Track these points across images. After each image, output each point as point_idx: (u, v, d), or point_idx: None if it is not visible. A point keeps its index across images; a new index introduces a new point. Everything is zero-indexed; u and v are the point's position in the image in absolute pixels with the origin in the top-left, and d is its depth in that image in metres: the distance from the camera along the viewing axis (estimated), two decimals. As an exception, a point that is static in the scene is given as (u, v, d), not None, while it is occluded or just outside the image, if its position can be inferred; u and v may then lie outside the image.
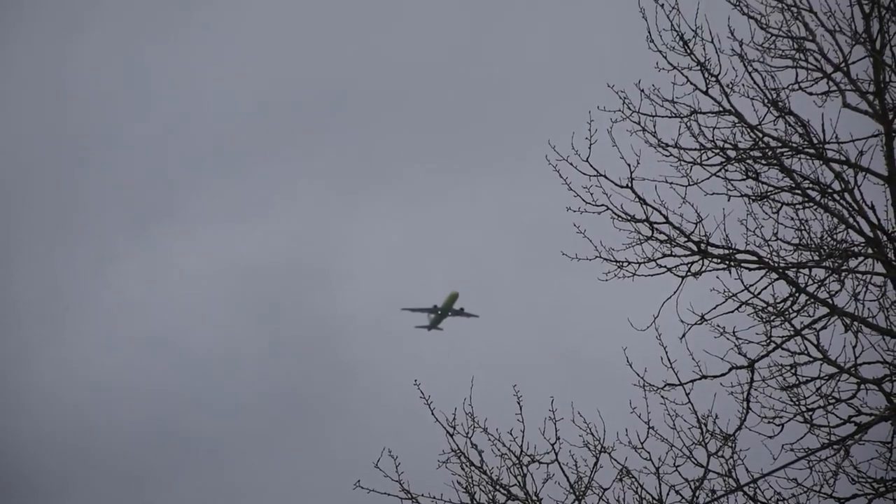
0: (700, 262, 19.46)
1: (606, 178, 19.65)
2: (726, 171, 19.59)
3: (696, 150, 19.58)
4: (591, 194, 19.71)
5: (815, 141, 19.27)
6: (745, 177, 19.55)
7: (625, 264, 19.74)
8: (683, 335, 19.38)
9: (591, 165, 19.71)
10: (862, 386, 18.57)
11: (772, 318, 19.09)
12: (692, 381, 19.24)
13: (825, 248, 19.10)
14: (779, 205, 19.47)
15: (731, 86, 19.53)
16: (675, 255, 19.56)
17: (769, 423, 19.00)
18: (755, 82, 19.47)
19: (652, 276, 19.68)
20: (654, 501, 18.69)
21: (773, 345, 19.04)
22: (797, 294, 19.04)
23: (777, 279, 19.17)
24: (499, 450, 19.09)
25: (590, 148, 19.65)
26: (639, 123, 19.71)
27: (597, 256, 19.86)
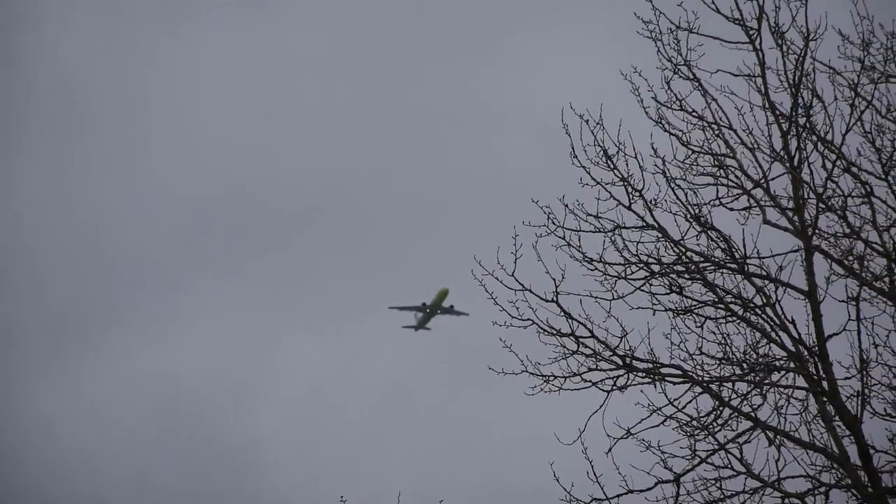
0: (625, 376, 19.53)
1: (532, 292, 19.77)
2: (650, 285, 19.78)
3: (620, 264, 19.77)
4: (517, 309, 19.81)
5: (737, 256, 19.55)
6: (669, 291, 19.73)
7: (551, 378, 19.77)
8: (609, 449, 19.36)
9: (517, 280, 19.85)
10: (786, 500, 18.61)
11: (696, 431, 19.16)
12: (619, 495, 19.19)
13: (748, 362, 19.27)
14: (702, 319, 19.65)
15: (654, 201, 19.81)
16: (600, 370, 19.63)
17: (696, 537, 18.97)
18: (678, 198, 19.77)
19: (578, 390, 19.72)
20: None
21: (697, 459, 19.08)
22: (721, 408, 19.15)
23: (701, 393, 19.28)
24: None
25: (515, 263, 19.79)
26: (563, 238, 19.90)
27: (523, 371, 19.89)
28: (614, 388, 19.52)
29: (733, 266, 19.54)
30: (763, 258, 19.50)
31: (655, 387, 19.42)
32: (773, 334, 19.20)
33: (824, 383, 18.81)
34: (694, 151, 19.96)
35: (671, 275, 19.72)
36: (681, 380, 19.37)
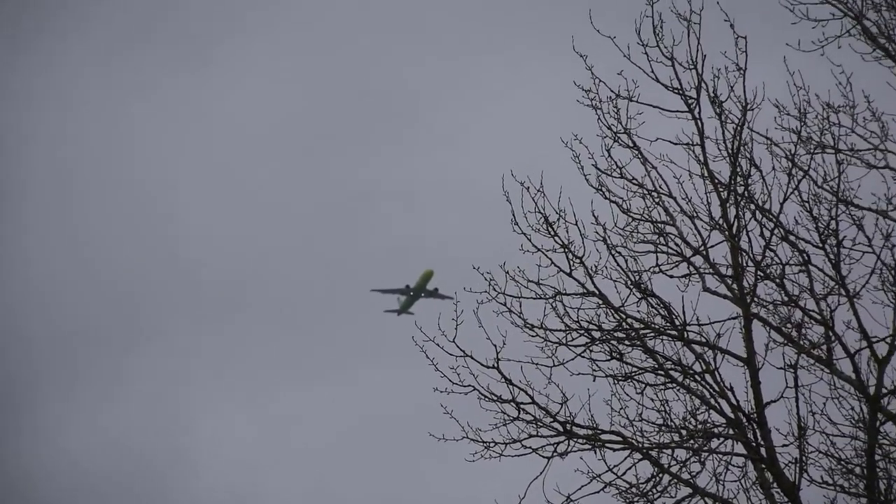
0: (566, 442, 19.55)
1: (473, 358, 19.79)
2: (591, 351, 19.85)
3: (561, 330, 19.85)
4: (458, 375, 19.83)
5: (677, 323, 19.68)
6: (609, 357, 19.81)
7: (491, 445, 19.76)
8: (550, 516, 19.34)
9: (458, 346, 19.87)
10: (725, 567, 18.64)
11: (636, 498, 19.18)
12: (560, 562, 19.16)
13: (688, 428, 19.35)
14: (643, 385, 19.73)
15: (595, 268, 19.92)
16: (541, 436, 19.64)
17: None
18: (618, 265, 19.90)
19: (518, 456, 19.71)
20: None
21: (638, 526, 19.08)
22: (660, 475, 19.19)
23: (641, 459, 19.32)
24: None
25: (456, 329, 19.83)
26: (505, 304, 19.97)
27: (464, 437, 19.86)
28: (555, 454, 19.52)
29: (673, 333, 19.67)
30: (703, 325, 19.65)
31: (596, 453, 19.45)
32: (712, 401, 19.30)
33: (763, 450, 18.91)
34: (634, 219, 20.12)
35: (612, 341, 19.81)
36: (621, 446, 19.40)
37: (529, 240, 20.04)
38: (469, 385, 19.76)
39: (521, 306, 19.93)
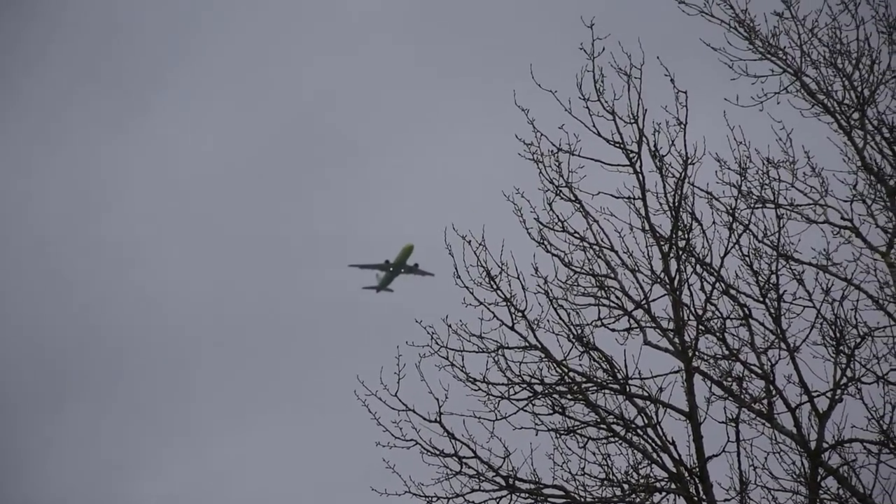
0: (508, 497, 19.42)
1: (415, 412, 19.67)
2: (533, 405, 19.77)
3: (503, 384, 19.76)
4: (401, 429, 19.69)
5: (619, 376, 19.64)
6: (551, 411, 19.74)
7: (434, 500, 19.57)
8: (492, 571, 19.17)
9: (400, 400, 19.75)
10: None
11: (578, 554, 19.03)
12: None
13: (630, 482, 19.26)
14: (585, 439, 19.65)
15: (536, 321, 19.88)
16: (483, 490, 19.50)
17: None
18: (560, 318, 19.85)
19: (460, 511, 19.54)
20: None
21: (580, 582, 18.93)
22: (603, 530, 19.07)
23: (583, 515, 19.20)
24: None
25: (398, 383, 19.71)
26: (447, 358, 19.88)
27: (406, 492, 19.67)
28: (497, 509, 19.38)
29: (615, 387, 19.62)
30: (644, 379, 19.62)
31: (537, 508, 19.31)
32: (654, 455, 19.23)
33: (705, 505, 18.84)
34: (576, 272, 20.13)
35: (554, 395, 19.74)
36: (563, 500, 19.30)
37: (472, 293, 20.02)
38: (411, 439, 19.64)
39: (463, 360, 19.86)
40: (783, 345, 19.34)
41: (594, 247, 20.13)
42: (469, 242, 20.01)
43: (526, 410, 19.75)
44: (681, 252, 19.80)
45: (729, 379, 19.54)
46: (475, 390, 19.85)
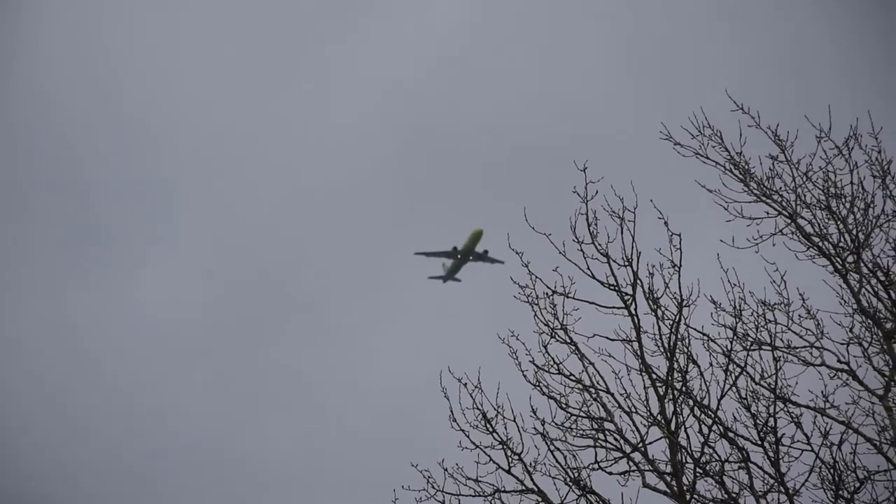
0: None
1: (412, 557, 19.45)
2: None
3: (501, 533, 19.58)
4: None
5: (617, 519, 19.40)
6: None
7: None
8: None
9: (395, 544, 19.54)
10: None
11: None
12: None
13: None
14: (583, 585, 19.36)
15: (533, 464, 19.75)
16: None
17: None
18: (557, 461, 19.72)
19: None
20: None
21: None
22: None
23: None
24: None
25: (394, 526, 19.52)
26: (443, 502, 19.71)
27: None
28: None
29: (614, 530, 19.39)
30: (643, 520, 19.37)
31: None
32: None
33: None
34: (573, 415, 20.04)
35: (554, 546, 19.51)
36: None
37: (468, 436, 19.94)
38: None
39: (459, 503, 19.68)
40: (782, 489, 19.14)
41: (590, 389, 20.08)
42: (465, 385, 19.99)
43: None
44: (678, 394, 19.73)
45: (728, 524, 19.28)
46: (472, 536, 19.63)
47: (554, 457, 19.73)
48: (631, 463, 19.82)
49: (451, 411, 19.90)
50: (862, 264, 20.93)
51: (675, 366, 19.85)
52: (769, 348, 20.17)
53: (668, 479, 19.51)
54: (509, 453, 19.78)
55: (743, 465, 19.53)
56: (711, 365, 19.95)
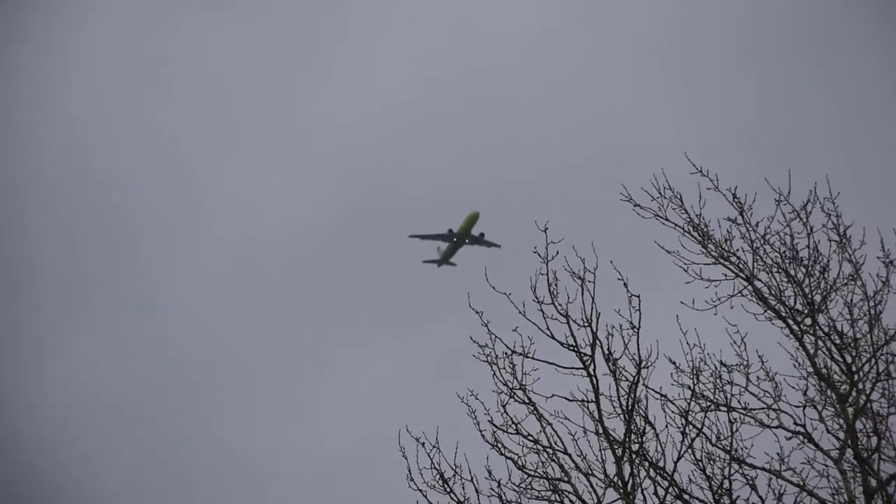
0: None
1: None
2: None
3: (456, 590, 19.50)
4: None
5: (574, 582, 19.39)
6: None
7: None
8: None
9: None
10: None
11: None
12: None
13: None
14: None
15: (490, 525, 19.71)
16: None
17: None
18: (514, 522, 19.69)
19: None
20: None
21: None
22: None
23: None
24: None
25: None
26: (399, 562, 19.66)
27: None
28: None
29: (569, 593, 19.37)
30: (599, 585, 19.36)
31: None
32: None
33: None
34: (529, 475, 20.06)
35: None
36: None
37: (425, 496, 19.91)
38: None
39: (418, 568, 19.65)
40: (737, 551, 19.18)
41: (548, 449, 20.11)
42: (423, 444, 20.01)
43: None
44: (634, 456, 19.79)
45: (683, 586, 19.30)
46: None
47: (511, 517, 19.73)
48: (587, 523, 19.84)
49: (409, 471, 19.90)
50: (818, 327, 21.11)
51: (633, 427, 19.93)
52: (726, 409, 20.27)
53: (626, 539, 19.54)
54: (467, 512, 19.76)
55: (699, 527, 19.58)
56: (668, 426, 20.05)
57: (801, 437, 20.46)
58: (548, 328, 20.34)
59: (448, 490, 19.84)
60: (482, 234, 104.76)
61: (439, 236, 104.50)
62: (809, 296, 21.30)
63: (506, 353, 20.51)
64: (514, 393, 20.38)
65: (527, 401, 20.35)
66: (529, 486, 20.01)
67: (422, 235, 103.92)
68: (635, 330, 20.19)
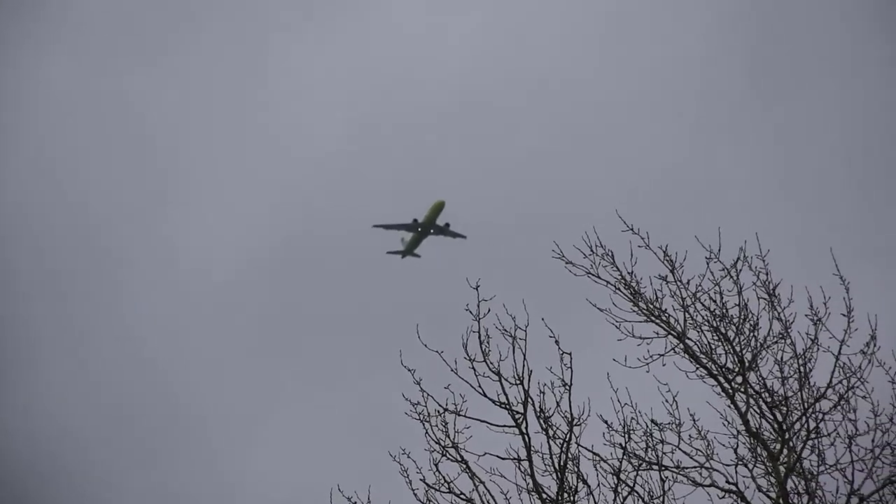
0: None
1: None
2: None
3: None
4: None
5: None
6: None
7: None
8: None
9: None
10: None
11: None
12: None
13: None
14: None
15: (422, 586, 19.46)
16: None
17: None
18: (446, 582, 19.47)
19: None
20: None
21: None
22: None
23: None
24: None
25: None
26: None
27: None
28: None
29: None
30: None
31: None
32: None
33: None
34: None
35: None
36: None
37: (358, 555, 19.62)
38: None
39: None
40: None
41: None
42: (355, 504, 19.76)
43: None
44: None
45: None
46: None
47: (443, 578, 19.50)
48: (520, 584, 19.66)
49: (341, 530, 19.62)
50: (749, 385, 21.19)
51: (565, 486, 19.82)
52: (658, 468, 20.24)
53: None
54: (398, 574, 19.49)
55: (632, 586, 19.46)
56: (600, 485, 19.97)
57: (733, 496, 20.46)
58: (480, 386, 20.24)
59: None
60: (447, 224, 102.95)
61: (404, 226, 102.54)
62: (740, 354, 21.40)
63: (438, 411, 20.37)
64: (447, 451, 20.22)
65: (459, 459, 20.19)
66: None
67: (386, 225, 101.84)
68: (567, 388, 20.16)
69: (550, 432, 20.05)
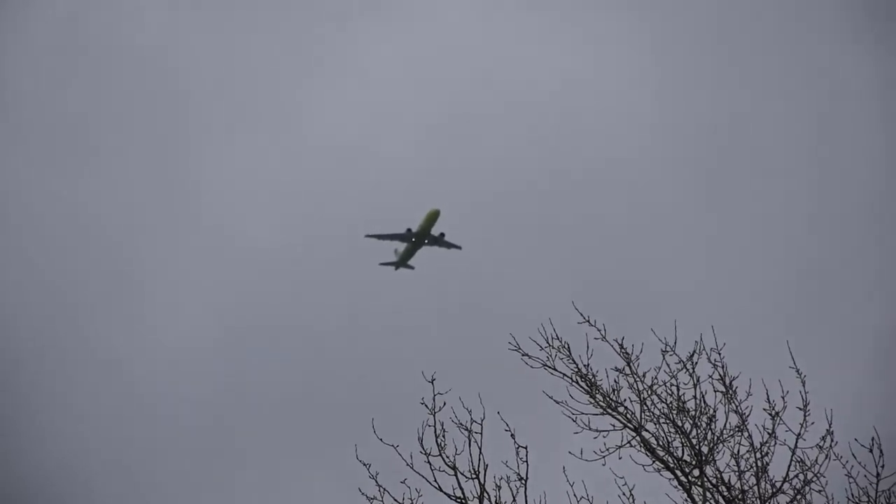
0: None
1: None
2: None
3: None
4: None
5: None
6: None
7: None
8: None
9: None
10: None
11: None
12: None
13: None
14: None
15: None
16: None
17: None
18: None
19: None
20: None
21: None
22: None
23: None
24: None
25: None
26: None
27: None
28: None
29: None
30: None
31: None
32: None
33: None
34: None
35: None
36: None
37: None
38: None
39: None
40: None
41: None
42: None
43: None
44: None
45: None
46: None
47: None
48: None
49: None
50: (706, 479, 21.11)
51: (525, 582, 19.61)
52: (615, 564, 20.07)
53: None
54: None
55: None
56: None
57: (691, 592, 20.28)
58: (435, 480, 20.10)
59: None
60: (442, 234, 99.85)
61: (398, 236, 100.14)
62: (697, 447, 21.35)
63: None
64: (405, 542, 19.98)
65: (416, 550, 19.95)
66: None
67: (379, 235, 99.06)
68: (523, 482, 20.04)
69: (508, 527, 19.85)
